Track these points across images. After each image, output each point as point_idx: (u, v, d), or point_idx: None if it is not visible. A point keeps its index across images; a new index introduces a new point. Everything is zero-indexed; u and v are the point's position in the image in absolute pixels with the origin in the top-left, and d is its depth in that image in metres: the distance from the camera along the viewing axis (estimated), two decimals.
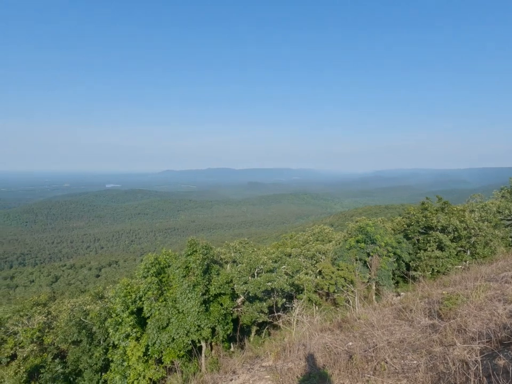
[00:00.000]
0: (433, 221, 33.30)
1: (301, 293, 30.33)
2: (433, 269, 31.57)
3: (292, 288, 25.09)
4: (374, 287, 31.30)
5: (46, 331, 23.78)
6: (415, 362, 6.59)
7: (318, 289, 31.80)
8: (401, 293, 20.64)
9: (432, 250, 31.72)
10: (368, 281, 30.66)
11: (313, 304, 30.59)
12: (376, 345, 7.73)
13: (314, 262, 35.16)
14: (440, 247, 32.04)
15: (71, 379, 20.31)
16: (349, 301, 28.01)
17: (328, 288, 30.25)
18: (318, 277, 33.14)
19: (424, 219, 34.48)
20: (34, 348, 21.80)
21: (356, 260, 31.18)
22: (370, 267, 30.69)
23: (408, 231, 36.65)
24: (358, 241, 31.82)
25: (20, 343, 22.44)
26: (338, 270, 30.23)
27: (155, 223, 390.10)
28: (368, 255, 31.11)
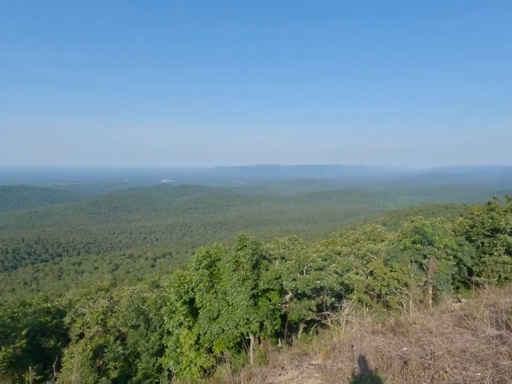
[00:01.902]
0: (501, 223, 30.41)
1: (351, 292, 29.54)
2: (500, 275, 28.93)
3: (341, 287, 24.55)
4: (430, 291, 29.48)
5: (108, 314, 25.91)
6: (478, 374, 6.13)
7: (369, 290, 30.74)
8: (462, 300, 19.24)
9: (499, 255, 29.03)
10: (424, 285, 28.97)
11: (364, 305, 29.65)
12: (434, 352, 7.32)
13: (365, 261, 33.98)
14: (509, 252, 29.22)
15: (130, 360, 21.94)
16: (403, 304, 26.66)
17: (380, 289, 29.11)
18: (369, 277, 32.01)
19: (490, 220, 31.60)
20: (99, 329, 23.90)
21: (411, 262, 29.59)
22: (427, 270, 28.94)
23: (471, 233, 33.85)
24: (413, 242, 30.14)
25: (87, 324, 24.73)
26: (391, 271, 28.95)
27: (206, 217, 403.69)
28: (425, 257, 29.34)
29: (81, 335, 24.28)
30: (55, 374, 17.10)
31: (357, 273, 31.14)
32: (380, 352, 9.13)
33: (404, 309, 19.09)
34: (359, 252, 34.78)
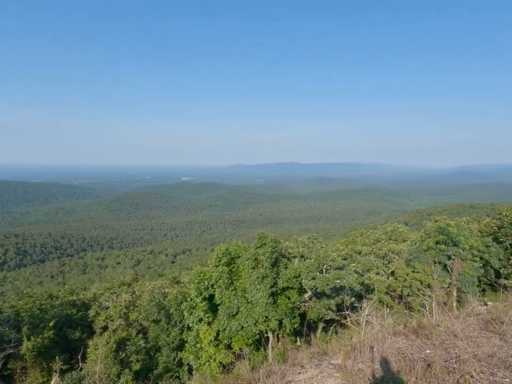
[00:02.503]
0: None
1: (371, 293, 29.11)
2: None
3: (361, 287, 24.22)
4: (455, 294, 28.64)
5: (131, 308, 26.62)
6: (507, 380, 5.94)
7: (390, 291, 30.20)
8: (489, 303, 18.58)
9: None
10: (448, 287, 28.18)
11: (384, 305, 29.16)
12: (459, 356, 7.13)
13: (387, 262, 33.38)
14: None
15: (152, 354, 22.46)
16: (425, 306, 26.06)
17: (402, 290, 28.55)
18: (390, 277, 31.44)
19: None
20: (122, 322, 24.63)
21: (434, 263, 28.83)
22: (451, 271, 28.13)
23: (499, 234, 32.59)
24: (437, 243, 29.34)
25: (110, 317, 25.51)
26: (413, 272, 28.32)
27: (225, 215, 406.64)
28: (449, 258, 28.52)
29: (105, 328, 25.07)
30: (80, 364, 17.78)
31: (377, 273, 30.65)
32: (402, 354, 8.98)
33: (426, 310, 18.65)
34: (380, 251, 34.19)
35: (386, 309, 29.25)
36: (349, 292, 25.41)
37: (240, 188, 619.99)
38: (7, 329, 21.13)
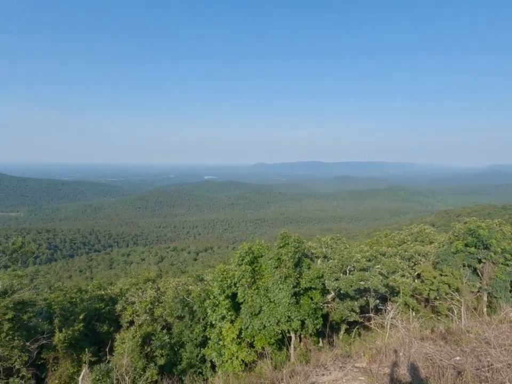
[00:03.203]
0: None
1: (396, 295, 28.46)
2: None
3: (386, 289, 23.73)
4: (485, 299, 27.55)
5: (155, 304, 27.30)
6: None
7: (416, 294, 29.42)
8: None
9: None
10: (478, 291, 27.14)
11: (410, 309, 28.44)
12: (491, 365, 6.89)
13: (412, 264, 32.50)
14: None
15: (176, 349, 22.94)
16: (453, 311, 25.20)
17: (428, 294, 27.76)
18: (416, 280, 30.61)
19: None
20: (147, 317, 25.31)
21: (463, 266, 27.83)
22: (482, 275, 27.07)
23: None
24: (466, 245, 28.29)
25: (136, 312, 26.26)
26: (441, 275, 27.47)
27: (246, 213, 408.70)
28: (480, 261, 27.44)
29: (131, 322, 25.83)
30: (108, 357, 18.44)
31: (403, 276, 29.91)
32: (431, 360, 8.77)
33: (454, 315, 18.05)
34: (406, 253, 33.33)
35: (412, 312, 28.50)
36: (373, 293, 24.96)
37: (262, 186, 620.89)
38: (40, 320, 22.20)
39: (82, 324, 22.33)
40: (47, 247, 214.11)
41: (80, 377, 13.63)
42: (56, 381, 19.76)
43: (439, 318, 26.80)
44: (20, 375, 17.57)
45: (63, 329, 21.01)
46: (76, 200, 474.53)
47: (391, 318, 22.79)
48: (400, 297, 27.39)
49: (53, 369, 20.86)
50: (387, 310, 24.78)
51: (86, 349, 20.08)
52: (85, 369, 13.88)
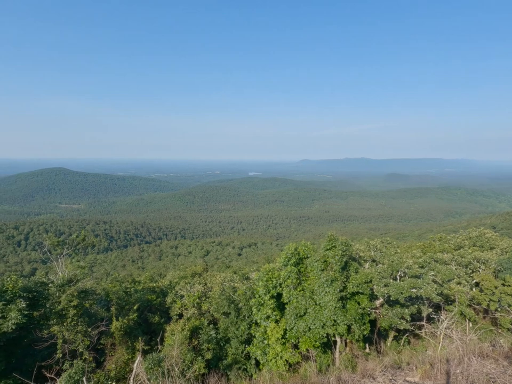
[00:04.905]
0: None
1: (451, 304, 26.77)
2: None
3: (440, 298, 22.37)
4: None
5: (203, 299, 28.26)
6: None
7: (473, 303, 27.43)
8: None
9: None
10: None
11: (466, 319, 26.60)
12: None
13: (470, 271, 30.25)
14: None
15: (221, 344, 23.63)
16: None
17: (488, 304, 25.76)
18: (474, 289, 28.51)
19: None
20: (195, 311, 26.32)
21: None
22: None
23: None
24: None
25: (185, 306, 27.42)
26: (503, 285, 25.34)
27: (290, 210, 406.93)
28: None
29: (180, 315, 27.01)
30: (159, 347, 19.50)
31: (459, 283, 28.02)
32: (493, 382, 8.19)
33: None
34: (463, 259, 31.11)
35: (469, 323, 26.66)
36: (425, 301, 23.68)
37: (306, 183, 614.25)
38: (99, 308, 24.07)
39: (136, 314, 23.77)
40: (104, 237, 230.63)
41: (135, 364, 14.48)
42: (113, 365, 21.25)
43: (500, 331, 24.79)
44: (83, 357, 19.19)
45: (119, 317, 22.54)
46: (129, 194, 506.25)
47: (445, 328, 21.53)
48: (455, 306, 25.74)
49: (110, 354, 22.50)
50: (440, 319, 23.43)
51: (140, 338, 21.36)
52: (139, 357, 14.74)
